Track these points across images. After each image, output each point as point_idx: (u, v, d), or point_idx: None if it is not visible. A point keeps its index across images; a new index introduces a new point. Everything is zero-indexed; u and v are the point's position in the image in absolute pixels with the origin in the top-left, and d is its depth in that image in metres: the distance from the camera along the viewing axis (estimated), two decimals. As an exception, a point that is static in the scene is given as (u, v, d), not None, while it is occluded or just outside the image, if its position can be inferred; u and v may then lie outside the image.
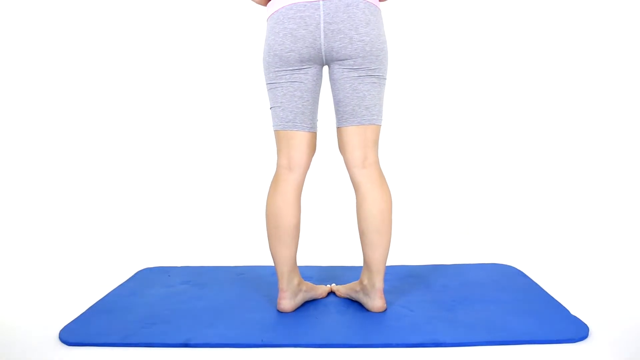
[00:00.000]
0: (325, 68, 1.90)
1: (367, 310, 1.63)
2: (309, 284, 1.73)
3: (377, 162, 1.59)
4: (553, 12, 2.80)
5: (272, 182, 1.61)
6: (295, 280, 1.65)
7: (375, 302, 1.62)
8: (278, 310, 1.63)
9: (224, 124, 2.92)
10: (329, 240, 2.20)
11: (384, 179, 1.59)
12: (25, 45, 2.83)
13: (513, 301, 1.67)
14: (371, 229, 1.56)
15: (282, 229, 1.58)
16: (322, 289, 1.76)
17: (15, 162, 2.83)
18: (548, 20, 2.81)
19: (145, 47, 2.90)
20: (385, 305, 1.63)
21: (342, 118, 1.57)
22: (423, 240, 2.42)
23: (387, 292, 1.76)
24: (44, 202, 2.79)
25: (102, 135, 2.93)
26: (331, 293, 1.79)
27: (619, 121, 2.77)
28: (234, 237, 2.50)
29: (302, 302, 1.68)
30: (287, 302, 1.63)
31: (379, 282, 1.61)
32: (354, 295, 1.70)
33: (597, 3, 2.76)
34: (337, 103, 1.56)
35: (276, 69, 1.52)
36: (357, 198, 1.58)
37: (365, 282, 1.64)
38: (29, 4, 2.80)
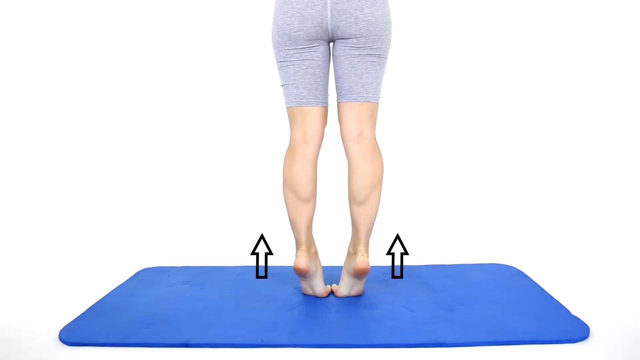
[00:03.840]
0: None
1: (367, 310, 1.62)
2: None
3: (372, 137, 1.63)
4: (553, 11, 2.80)
5: (286, 153, 1.66)
6: (313, 249, 1.69)
7: (358, 259, 1.62)
8: (294, 270, 1.63)
9: (224, 124, 2.92)
10: (329, 241, 2.20)
11: (378, 153, 1.63)
12: (25, 45, 2.83)
13: (513, 301, 1.67)
14: (358, 199, 1.62)
15: (301, 195, 1.63)
16: (325, 287, 1.76)
17: (16, 163, 2.83)
18: (548, 19, 2.81)
19: (141, 40, 2.90)
20: (369, 265, 1.62)
21: (340, 93, 1.63)
22: (423, 240, 2.42)
23: (387, 292, 1.76)
24: (43, 202, 2.79)
25: (102, 135, 2.93)
26: (331, 293, 1.78)
27: (619, 121, 2.77)
28: (234, 237, 2.50)
29: (315, 273, 1.69)
30: (304, 260, 1.63)
31: (363, 245, 1.64)
32: (345, 274, 1.70)
33: (597, 3, 2.76)
34: (337, 79, 1.63)
35: (286, 48, 1.57)
36: (348, 170, 1.64)
37: (351, 249, 1.68)
38: (29, 4, 2.80)
